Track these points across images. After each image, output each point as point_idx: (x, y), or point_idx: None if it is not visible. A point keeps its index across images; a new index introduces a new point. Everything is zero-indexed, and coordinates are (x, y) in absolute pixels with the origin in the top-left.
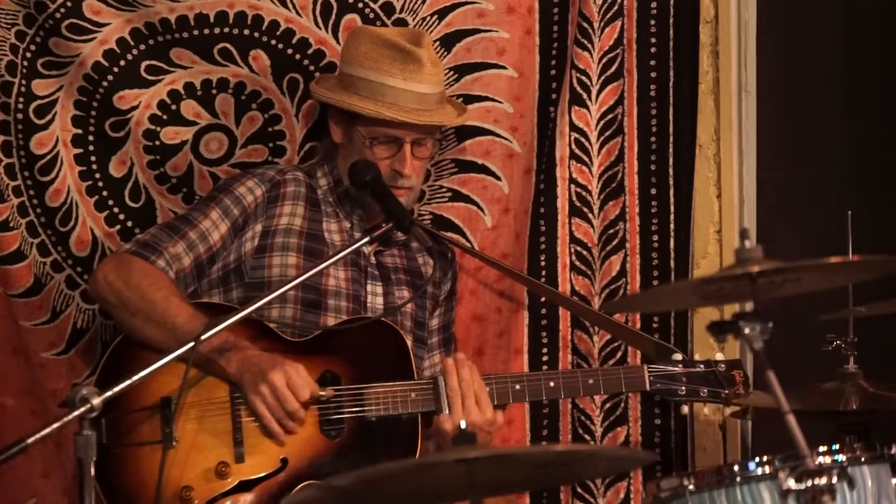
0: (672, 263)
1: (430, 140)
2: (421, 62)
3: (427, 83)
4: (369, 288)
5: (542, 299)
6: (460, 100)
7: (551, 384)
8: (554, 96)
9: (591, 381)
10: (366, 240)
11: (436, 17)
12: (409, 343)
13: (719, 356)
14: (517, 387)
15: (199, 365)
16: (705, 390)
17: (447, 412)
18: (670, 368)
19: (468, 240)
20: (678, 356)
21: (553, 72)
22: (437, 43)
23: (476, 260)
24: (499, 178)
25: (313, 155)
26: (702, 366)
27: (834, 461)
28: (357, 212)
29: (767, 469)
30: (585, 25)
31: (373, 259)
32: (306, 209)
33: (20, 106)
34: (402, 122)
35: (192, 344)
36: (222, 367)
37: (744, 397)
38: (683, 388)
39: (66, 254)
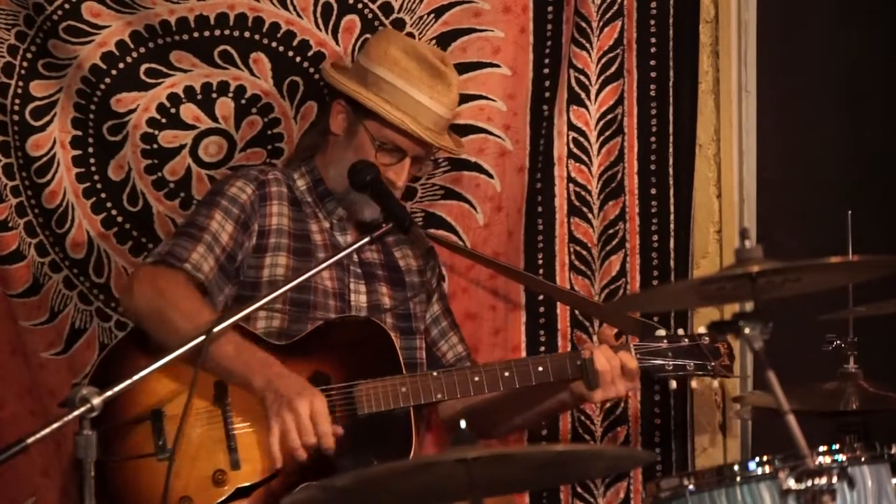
0: (672, 263)
1: (426, 161)
2: (450, 84)
3: (447, 107)
4: (352, 286)
5: (540, 297)
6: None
7: (540, 369)
8: (547, 94)
9: (578, 363)
10: (366, 240)
11: (432, 15)
12: (396, 339)
13: (702, 329)
14: (506, 374)
15: (209, 369)
16: (691, 364)
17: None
18: (655, 345)
19: (460, 238)
20: (661, 332)
21: (546, 70)
22: (434, 41)
23: (467, 259)
24: (491, 176)
25: (292, 156)
26: (686, 339)
27: (834, 461)
28: (338, 211)
29: (767, 469)
30: (584, 25)
31: (355, 257)
32: (290, 209)
33: (16, 107)
34: (418, 138)
35: (202, 338)
36: (244, 375)
37: (730, 371)
38: (670, 363)
39: (63, 255)
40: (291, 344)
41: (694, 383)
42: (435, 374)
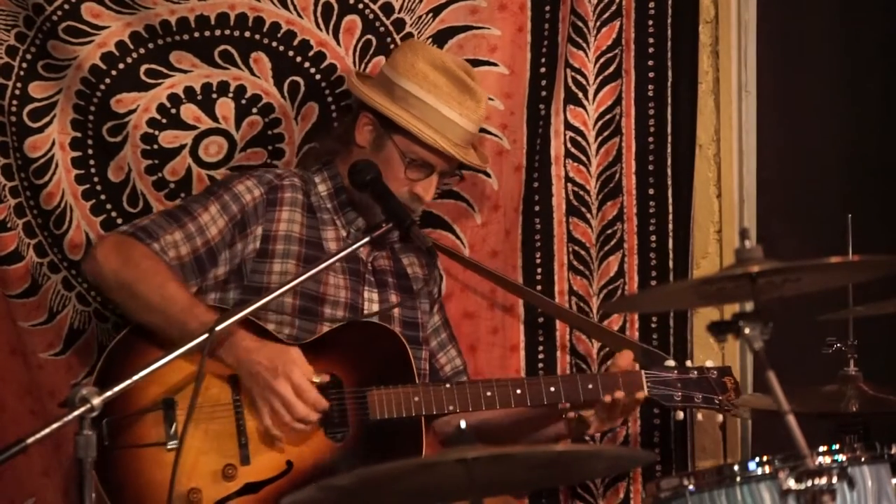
0: (671, 263)
1: (450, 175)
2: (479, 100)
3: (475, 122)
4: (366, 295)
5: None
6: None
7: (552, 389)
8: (544, 94)
9: (590, 386)
10: (366, 240)
11: (431, 14)
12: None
13: (709, 363)
14: (518, 391)
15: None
16: (700, 396)
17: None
18: (666, 374)
19: (458, 236)
20: (670, 363)
21: (543, 69)
22: (431, 40)
23: (469, 269)
24: (489, 175)
25: (308, 158)
26: (695, 372)
27: (834, 461)
28: (357, 221)
29: (767, 469)
30: (580, 24)
31: (370, 265)
32: (304, 216)
33: (14, 108)
34: (449, 156)
35: (206, 335)
36: (220, 357)
37: (736, 408)
38: (679, 393)
39: (62, 255)
40: (306, 345)
41: (700, 416)
42: (448, 385)
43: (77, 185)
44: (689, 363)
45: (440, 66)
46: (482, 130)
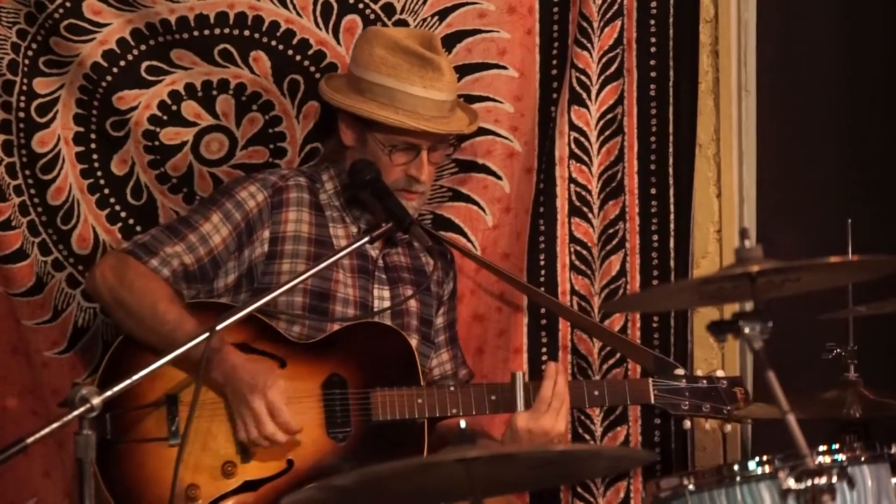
0: (672, 263)
1: (444, 146)
2: (441, 70)
3: (445, 91)
4: (376, 293)
5: None
6: (461, 100)
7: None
8: (555, 96)
9: (595, 393)
10: (366, 239)
11: (436, 17)
12: (416, 343)
13: (720, 373)
14: None
15: (192, 364)
16: (708, 406)
17: (522, 409)
18: (674, 383)
19: (469, 239)
20: (680, 371)
21: (554, 71)
22: None
23: (475, 263)
24: (499, 178)
25: (315, 156)
26: (704, 381)
27: (834, 461)
28: (364, 216)
29: (767, 469)
30: (585, 25)
31: (381, 262)
32: (311, 215)
33: (21, 104)
34: (423, 131)
35: (206, 335)
36: (210, 374)
37: (744, 410)
38: (686, 402)
39: (68, 252)
40: (311, 344)
41: (707, 424)
42: (452, 388)
43: (83, 179)
44: (699, 372)
45: (396, 47)
46: (490, 133)
